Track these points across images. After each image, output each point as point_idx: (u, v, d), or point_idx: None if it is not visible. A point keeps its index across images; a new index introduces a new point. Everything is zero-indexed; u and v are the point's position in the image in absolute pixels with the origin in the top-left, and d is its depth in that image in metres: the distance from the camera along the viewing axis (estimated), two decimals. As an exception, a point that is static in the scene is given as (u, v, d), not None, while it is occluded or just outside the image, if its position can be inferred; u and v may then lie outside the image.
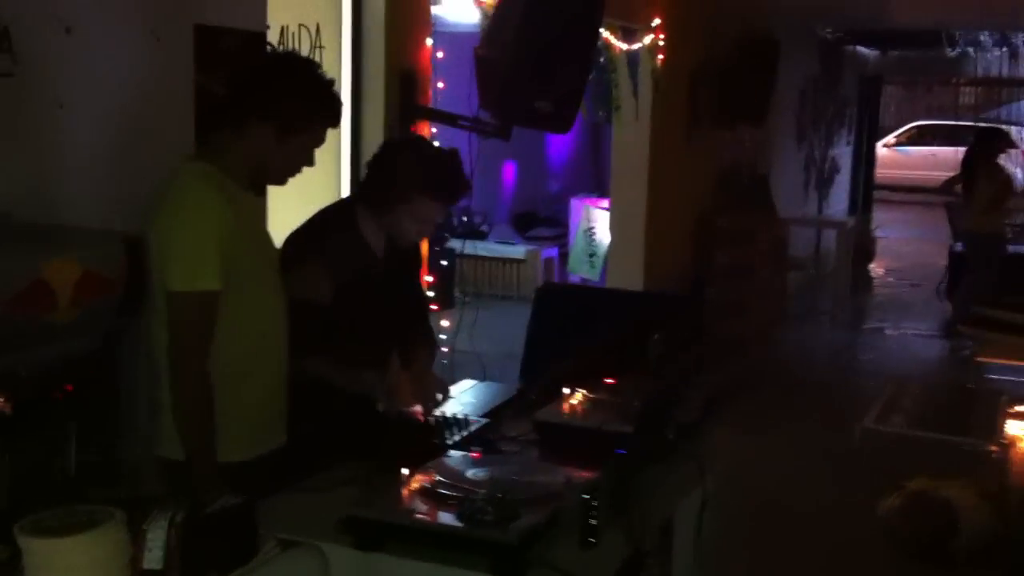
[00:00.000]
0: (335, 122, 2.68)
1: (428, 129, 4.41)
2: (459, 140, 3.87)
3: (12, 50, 2.64)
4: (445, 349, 4.88)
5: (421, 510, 2.31)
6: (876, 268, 12.60)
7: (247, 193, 2.63)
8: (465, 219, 10.83)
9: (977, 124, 18.28)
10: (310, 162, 2.68)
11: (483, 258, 10.17)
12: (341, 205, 3.24)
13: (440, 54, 4.49)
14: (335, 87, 2.67)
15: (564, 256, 11.01)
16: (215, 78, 3.20)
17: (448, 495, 2.34)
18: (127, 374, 2.42)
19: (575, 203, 10.96)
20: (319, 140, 2.66)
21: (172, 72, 3.09)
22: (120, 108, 2.95)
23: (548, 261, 10.23)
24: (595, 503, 2.30)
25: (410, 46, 4.31)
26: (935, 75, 16.51)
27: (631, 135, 6.60)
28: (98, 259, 2.26)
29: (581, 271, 10.57)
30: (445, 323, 4.67)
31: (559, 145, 12.09)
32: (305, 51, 3.96)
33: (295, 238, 3.01)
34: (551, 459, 2.72)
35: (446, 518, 2.26)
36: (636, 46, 5.92)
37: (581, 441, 2.79)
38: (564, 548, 2.26)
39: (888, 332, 9.49)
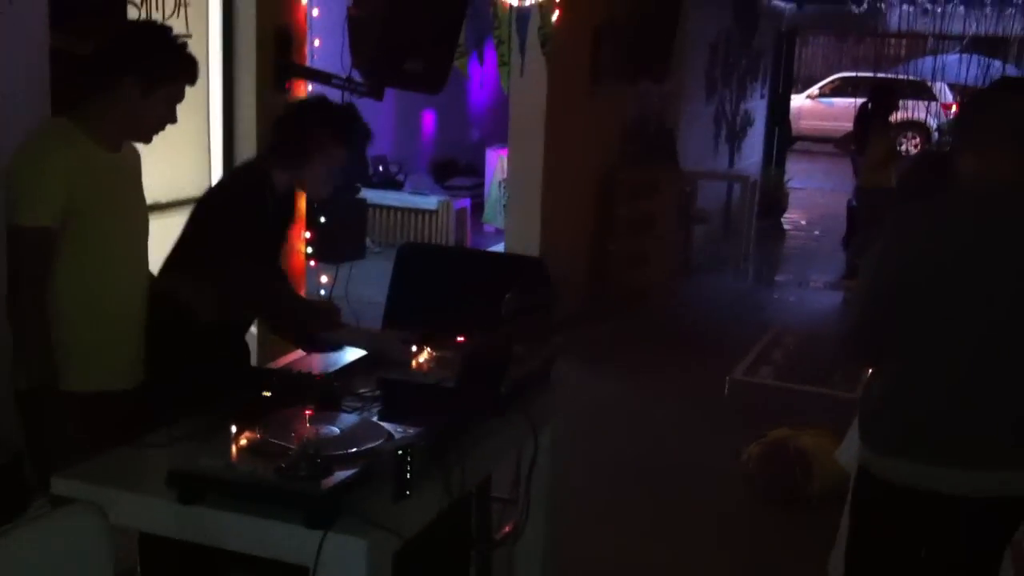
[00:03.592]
0: (192, 79, 2.91)
1: (304, 87, 4.48)
2: (335, 98, 3.93)
3: None
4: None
5: (244, 464, 2.43)
6: (787, 220, 12.87)
7: (108, 151, 2.82)
8: (380, 168, 10.88)
9: (894, 77, 18.63)
10: (173, 118, 2.90)
11: (396, 208, 10.23)
12: (251, 166, 3.40)
13: (316, 12, 4.55)
14: (186, 46, 2.89)
15: (478, 206, 11.12)
16: (76, 39, 3.26)
17: (271, 451, 2.47)
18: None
19: (490, 153, 11.04)
20: (179, 96, 2.88)
21: (24, 35, 3.13)
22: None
23: (461, 212, 10.32)
24: (409, 457, 2.44)
25: (284, 3, 4.35)
26: (848, 31, 16.75)
27: (525, 91, 6.68)
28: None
29: (495, 221, 10.68)
30: (324, 278, 4.77)
31: (480, 94, 12.13)
32: (169, 7, 4.01)
33: (216, 199, 3.26)
34: (393, 415, 2.85)
35: (264, 472, 2.39)
36: (529, 2, 6.00)
37: (420, 397, 2.91)
38: (381, 501, 2.41)
39: (787, 284, 9.76)
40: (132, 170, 3.00)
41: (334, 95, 4.27)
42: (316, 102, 3.29)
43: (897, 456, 2.63)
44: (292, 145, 3.18)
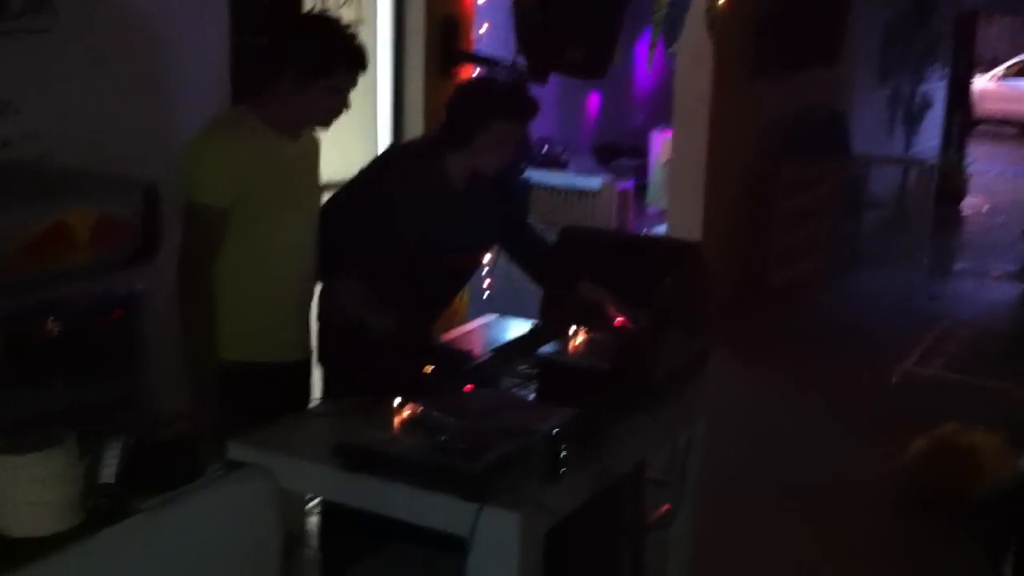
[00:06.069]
0: (356, 65, 2.91)
1: (470, 72, 4.56)
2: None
3: (54, 9, 2.89)
4: (488, 283, 5.10)
5: (406, 437, 2.53)
6: (967, 206, 12.32)
7: (285, 139, 2.92)
8: (545, 149, 10.96)
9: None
10: (344, 106, 2.94)
11: (558, 189, 10.29)
12: (427, 140, 3.48)
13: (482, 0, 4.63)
14: (354, 36, 2.91)
15: (641, 188, 11.07)
16: (251, 31, 3.42)
17: (432, 425, 2.56)
18: (146, 315, 2.68)
19: (655, 135, 10.99)
20: (347, 83, 2.91)
21: (206, 27, 3.31)
22: (154, 62, 3.18)
23: (623, 193, 10.30)
24: (562, 438, 2.49)
25: (452, -9, 4.45)
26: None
27: (690, 74, 6.63)
28: (115, 205, 2.51)
29: (659, 203, 10.63)
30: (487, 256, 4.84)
31: (646, 75, 12.07)
32: (341, -1, 4.17)
33: (384, 162, 3.33)
34: (547, 395, 2.90)
35: (425, 446, 2.48)
36: (694, -16, 5.94)
37: (576, 379, 2.95)
38: (536, 479, 2.46)
39: (965, 274, 9.35)
40: (309, 157, 3.08)
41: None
42: (478, 79, 3.32)
43: None
44: (458, 123, 3.23)
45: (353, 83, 2.92)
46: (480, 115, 3.17)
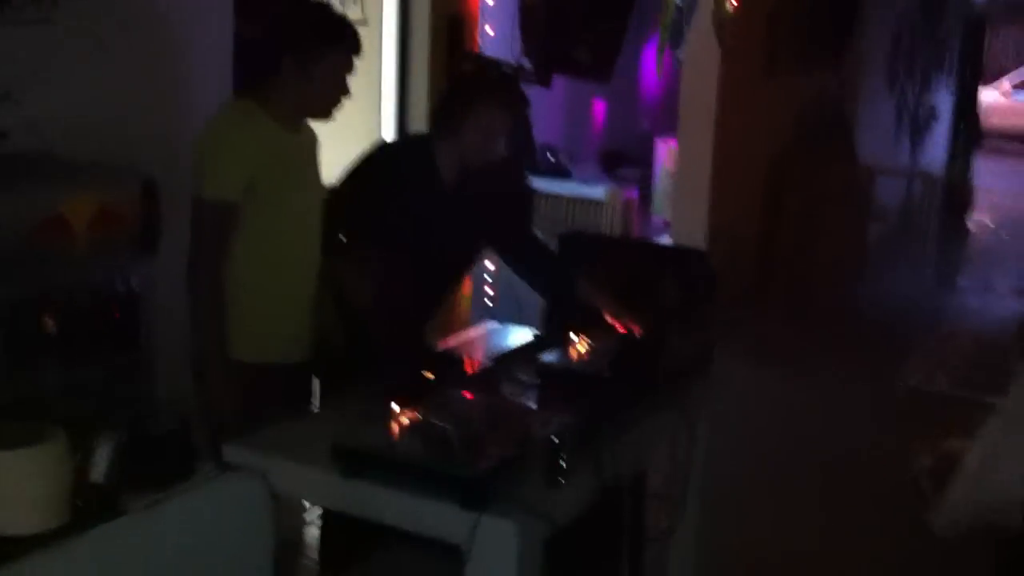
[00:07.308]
0: (351, 48, 2.90)
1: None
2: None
3: (55, -1, 2.87)
4: (490, 291, 5.07)
5: (403, 442, 2.49)
6: (973, 220, 12.29)
7: (287, 132, 2.90)
8: (550, 157, 10.90)
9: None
10: (345, 91, 2.93)
11: (563, 197, 10.23)
12: (418, 136, 3.42)
13: (491, 0, 4.59)
14: (343, 16, 2.93)
15: (646, 197, 11.01)
16: (249, 22, 3.40)
17: (429, 430, 2.52)
18: (144, 309, 2.65)
19: (660, 143, 10.94)
20: (344, 67, 2.90)
21: (209, 18, 3.28)
22: (155, 54, 3.16)
23: (628, 203, 10.24)
24: (562, 444, 2.45)
25: (458, -8, 4.42)
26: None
27: (695, 80, 6.58)
28: (114, 197, 2.48)
29: (665, 213, 10.58)
30: (490, 265, 4.82)
31: (653, 82, 12.04)
32: (348, -6, 4.15)
33: (371, 158, 3.24)
34: (548, 402, 2.86)
35: (423, 452, 2.44)
36: (701, -11, 5.90)
37: (576, 385, 2.92)
38: (534, 485, 2.42)
39: (970, 288, 9.32)
40: (309, 150, 3.06)
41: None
42: (467, 58, 3.26)
43: None
44: (445, 110, 3.18)
45: (350, 67, 2.91)
46: (465, 99, 3.12)
